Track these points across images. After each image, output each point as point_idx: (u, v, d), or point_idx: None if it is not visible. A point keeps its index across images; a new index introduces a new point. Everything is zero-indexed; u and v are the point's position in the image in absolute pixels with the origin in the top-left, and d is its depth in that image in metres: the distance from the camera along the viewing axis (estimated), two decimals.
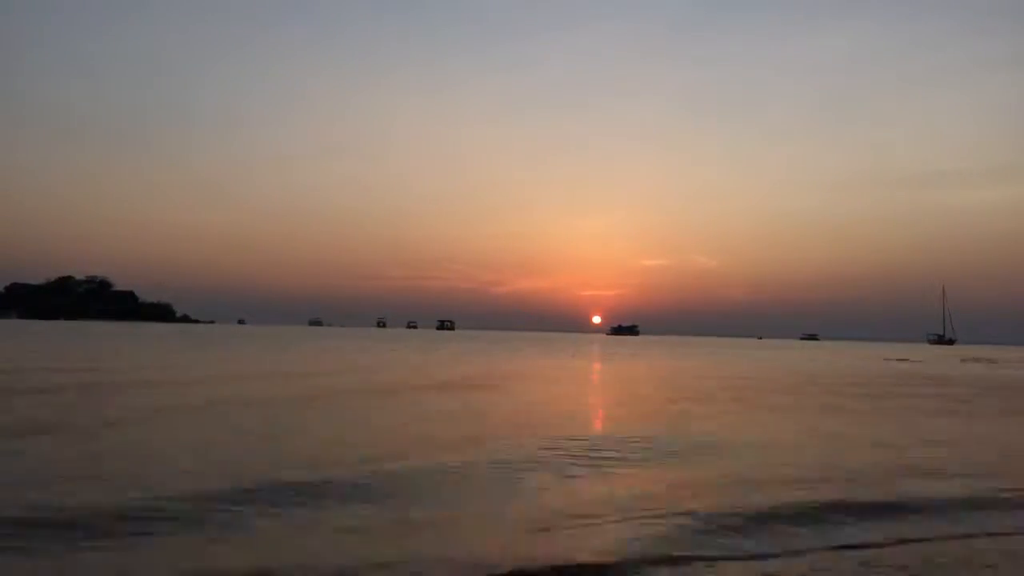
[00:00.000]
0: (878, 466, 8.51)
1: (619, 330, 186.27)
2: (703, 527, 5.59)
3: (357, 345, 53.05)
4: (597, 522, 5.70)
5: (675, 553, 4.95)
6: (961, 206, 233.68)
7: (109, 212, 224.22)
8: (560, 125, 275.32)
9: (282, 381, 19.12)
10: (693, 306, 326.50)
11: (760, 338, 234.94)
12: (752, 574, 4.67)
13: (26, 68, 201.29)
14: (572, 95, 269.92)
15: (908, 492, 7.05)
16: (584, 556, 4.83)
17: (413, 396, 16.08)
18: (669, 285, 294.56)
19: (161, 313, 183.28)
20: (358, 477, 6.95)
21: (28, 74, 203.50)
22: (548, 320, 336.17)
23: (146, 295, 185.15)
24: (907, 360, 52.50)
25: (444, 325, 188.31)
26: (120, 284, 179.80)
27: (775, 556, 4.99)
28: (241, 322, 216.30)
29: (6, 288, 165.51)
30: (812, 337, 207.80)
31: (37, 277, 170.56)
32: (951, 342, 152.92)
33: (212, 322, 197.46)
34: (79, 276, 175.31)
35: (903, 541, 5.46)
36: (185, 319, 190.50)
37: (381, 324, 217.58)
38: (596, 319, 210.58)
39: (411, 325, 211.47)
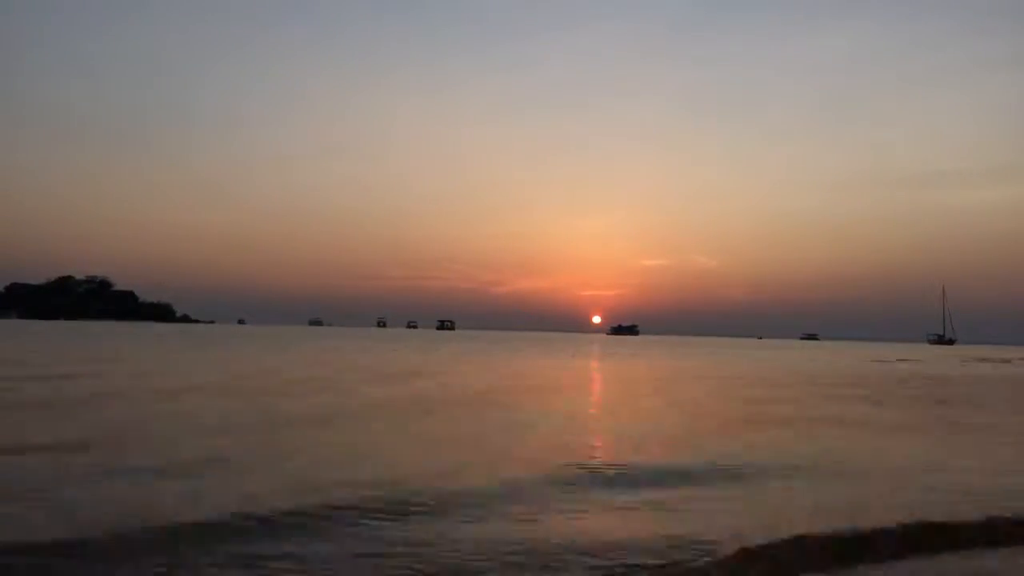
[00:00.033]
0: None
1: (619, 330, 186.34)
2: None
3: (358, 345, 53.04)
4: None
5: None
6: (961, 206, 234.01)
7: (109, 212, 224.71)
8: (560, 125, 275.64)
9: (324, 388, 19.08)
10: (693, 306, 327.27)
11: (760, 338, 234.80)
12: None
13: (26, 68, 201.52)
14: (572, 95, 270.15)
15: None
16: None
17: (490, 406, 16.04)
18: (669, 285, 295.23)
19: (161, 313, 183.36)
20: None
21: (28, 74, 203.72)
22: (548, 320, 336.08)
23: (146, 295, 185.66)
24: (919, 360, 52.32)
25: (444, 325, 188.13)
26: (120, 284, 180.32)
27: None
28: (241, 322, 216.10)
29: (6, 288, 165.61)
30: (812, 337, 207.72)
31: (37, 277, 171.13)
32: (951, 342, 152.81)
33: (212, 322, 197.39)
34: (79, 276, 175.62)
35: None
36: (185, 319, 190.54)
37: (381, 324, 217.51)
38: (596, 319, 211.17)
39: (411, 325, 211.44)
